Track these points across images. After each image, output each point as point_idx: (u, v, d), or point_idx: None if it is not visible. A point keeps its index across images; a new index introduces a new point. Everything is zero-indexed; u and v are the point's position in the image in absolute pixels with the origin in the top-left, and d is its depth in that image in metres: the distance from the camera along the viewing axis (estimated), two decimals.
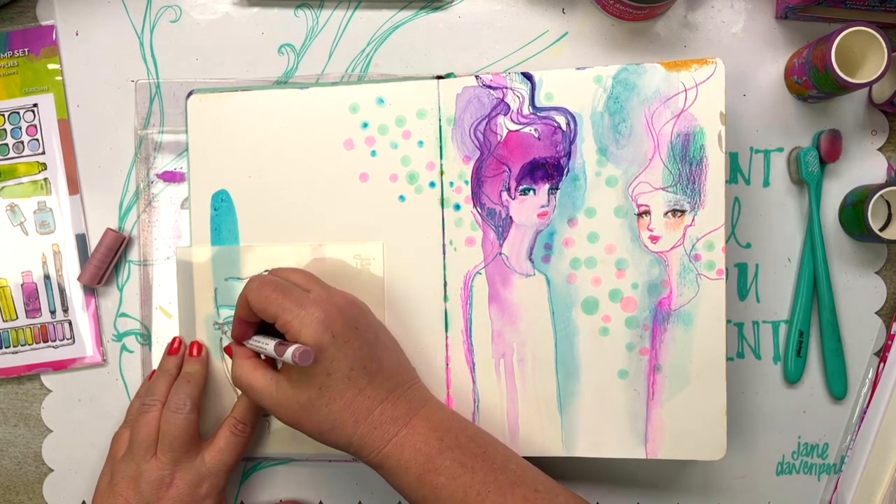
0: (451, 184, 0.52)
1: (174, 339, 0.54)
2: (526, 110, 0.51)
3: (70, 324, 0.57)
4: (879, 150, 0.56)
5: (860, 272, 0.56)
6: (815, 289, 0.56)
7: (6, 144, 0.57)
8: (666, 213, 0.50)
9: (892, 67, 0.52)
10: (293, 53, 0.57)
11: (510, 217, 0.52)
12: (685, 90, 0.50)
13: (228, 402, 0.54)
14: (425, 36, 0.57)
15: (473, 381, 0.52)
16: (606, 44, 0.56)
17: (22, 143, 0.57)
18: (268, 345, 0.45)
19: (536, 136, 0.51)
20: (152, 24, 0.57)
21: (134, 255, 0.57)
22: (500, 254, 0.52)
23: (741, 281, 0.56)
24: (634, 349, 0.51)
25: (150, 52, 0.57)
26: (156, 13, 0.57)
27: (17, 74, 0.57)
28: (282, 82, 0.56)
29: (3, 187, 0.57)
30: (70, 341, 0.57)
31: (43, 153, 0.57)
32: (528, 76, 0.51)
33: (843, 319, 0.56)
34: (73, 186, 0.57)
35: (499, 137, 0.52)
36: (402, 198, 0.53)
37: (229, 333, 0.52)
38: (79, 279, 0.56)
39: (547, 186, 0.51)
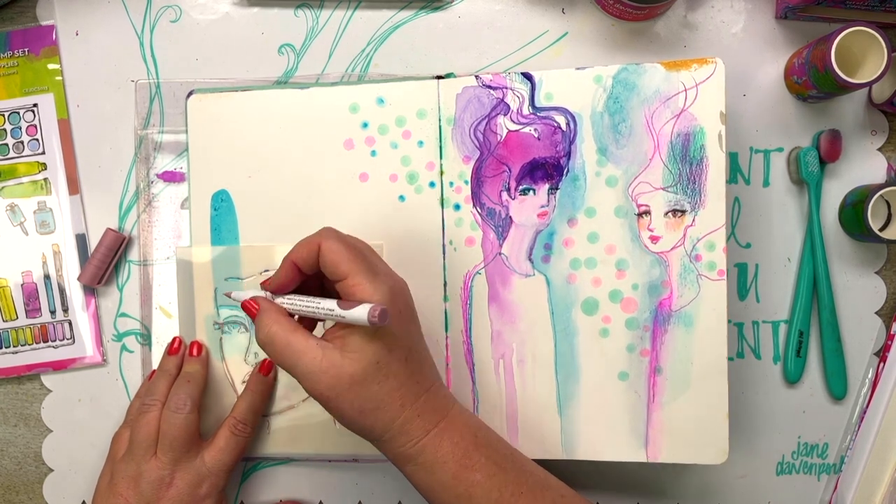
0: (451, 184, 0.52)
1: (174, 339, 0.54)
2: (526, 110, 0.51)
3: (70, 324, 0.57)
4: (879, 150, 0.56)
5: (860, 272, 0.56)
6: (815, 289, 0.56)
7: (6, 144, 0.57)
8: (666, 214, 0.50)
9: (892, 67, 0.52)
10: (293, 53, 0.57)
11: (510, 217, 0.52)
12: (685, 90, 0.50)
13: (228, 402, 0.54)
14: (425, 36, 0.57)
15: (473, 382, 0.52)
16: (606, 44, 0.56)
17: (22, 143, 0.57)
18: (321, 302, 0.41)
19: (536, 136, 0.51)
20: (152, 24, 0.57)
21: (134, 255, 0.57)
22: (500, 254, 0.52)
23: (741, 281, 0.56)
24: (635, 350, 0.51)
25: (150, 52, 0.57)
26: (156, 13, 0.57)
27: (17, 74, 0.57)
28: (282, 82, 0.56)
29: (3, 187, 0.57)
30: (70, 341, 0.57)
31: (43, 153, 0.57)
32: (527, 76, 0.51)
33: (843, 319, 0.56)
34: (73, 186, 0.57)
35: (499, 137, 0.52)
36: (402, 198, 0.53)
37: (234, 296, 0.46)
38: (79, 279, 0.56)
39: (547, 186, 0.51)
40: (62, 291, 0.57)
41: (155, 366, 0.55)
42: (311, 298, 0.43)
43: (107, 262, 0.56)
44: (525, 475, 0.44)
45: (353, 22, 0.57)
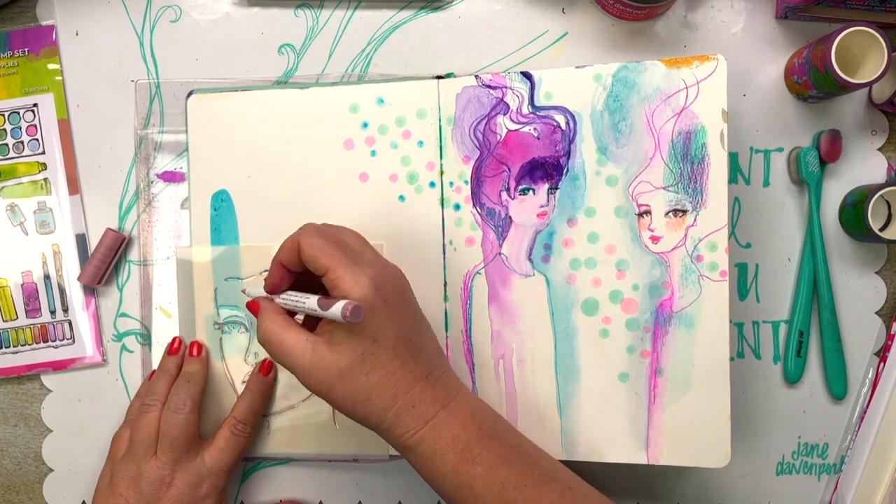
0: (451, 184, 0.52)
1: (174, 339, 0.54)
2: (525, 110, 0.51)
3: (70, 324, 0.57)
4: (879, 150, 0.56)
5: (860, 272, 0.56)
6: (815, 289, 0.56)
7: (6, 144, 0.57)
8: (667, 213, 0.50)
9: (892, 67, 0.52)
10: (293, 53, 0.57)
11: (510, 217, 0.52)
12: (686, 87, 0.49)
13: (228, 402, 0.54)
14: (425, 36, 0.57)
15: (473, 382, 0.52)
16: (606, 44, 0.56)
17: (22, 143, 0.57)
18: (307, 300, 0.42)
19: (536, 135, 0.51)
20: (152, 24, 0.57)
21: (134, 255, 0.57)
22: (500, 254, 0.52)
23: (741, 281, 0.56)
24: (635, 351, 0.51)
25: (150, 52, 0.57)
26: (156, 13, 0.57)
27: (17, 74, 0.57)
28: (282, 82, 0.56)
29: (3, 187, 0.57)
30: (70, 341, 0.57)
31: (43, 153, 0.57)
32: (527, 75, 0.51)
33: (843, 319, 0.56)
34: (73, 186, 0.57)
35: (498, 137, 0.52)
36: (402, 198, 0.53)
37: (248, 292, 0.48)
38: (79, 279, 0.56)
39: (546, 186, 0.51)
40: (62, 291, 0.57)
41: (155, 366, 0.55)
42: (301, 295, 0.43)
43: (107, 262, 0.56)
44: (531, 468, 0.43)
45: (353, 22, 0.57)
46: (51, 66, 0.57)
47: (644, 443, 0.50)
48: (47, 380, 0.57)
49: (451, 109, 0.52)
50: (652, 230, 0.50)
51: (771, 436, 0.57)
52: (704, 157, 0.49)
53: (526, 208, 0.51)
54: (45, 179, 0.57)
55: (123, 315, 0.57)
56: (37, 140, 0.57)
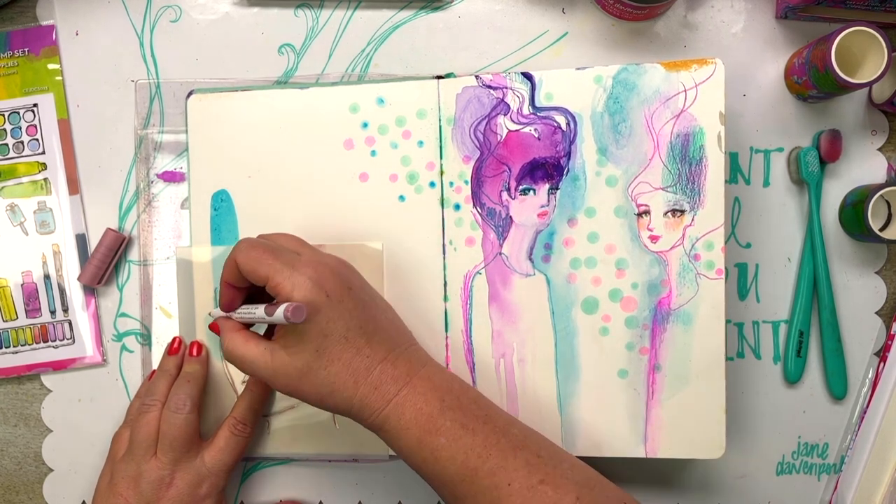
0: (451, 184, 0.52)
1: (174, 339, 0.54)
2: (526, 110, 0.51)
3: (70, 324, 0.57)
4: (879, 150, 0.56)
5: (860, 272, 0.56)
6: (815, 289, 0.56)
7: (6, 144, 0.57)
8: (665, 213, 0.50)
9: (892, 67, 0.52)
10: (293, 53, 0.57)
11: (510, 217, 0.52)
12: (685, 90, 0.50)
13: (228, 402, 0.54)
14: (425, 36, 0.57)
15: (473, 382, 0.52)
16: (606, 44, 0.56)
17: (22, 143, 0.57)
18: (256, 310, 0.44)
19: (536, 136, 0.51)
20: (152, 24, 0.57)
21: (134, 255, 0.57)
22: (500, 254, 0.52)
23: (741, 281, 0.56)
24: (634, 349, 0.51)
25: (150, 52, 0.57)
26: (156, 13, 0.57)
27: (17, 74, 0.57)
28: (282, 82, 0.56)
29: (3, 187, 0.57)
30: (70, 341, 0.57)
31: (43, 153, 0.57)
32: (527, 76, 0.51)
33: (843, 319, 0.56)
34: (73, 186, 0.57)
35: (499, 137, 0.52)
36: (402, 198, 0.53)
37: (212, 313, 0.50)
38: (79, 279, 0.56)
39: (547, 186, 0.51)
40: (62, 291, 0.57)
41: (155, 366, 0.55)
42: (251, 307, 0.45)
43: (107, 262, 0.56)
44: (498, 436, 0.43)
45: (353, 22, 0.57)
46: (51, 66, 0.57)
47: (642, 437, 0.51)
48: (47, 380, 0.57)
49: (451, 109, 0.52)
50: (651, 230, 0.51)
51: (771, 436, 0.57)
52: (702, 158, 0.50)
53: (527, 208, 0.52)
54: (45, 179, 0.57)
55: (123, 315, 0.57)
56: (37, 140, 0.57)
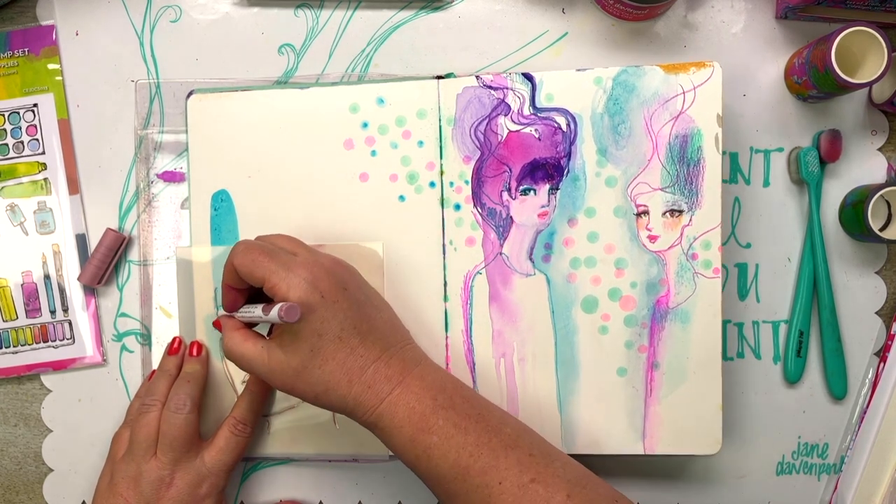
0: (452, 184, 0.52)
1: (174, 339, 0.54)
2: (526, 111, 0.51)
3: (70, 324, 0.57)
4: (879, 150, 0.56)
5: (860, 272, 0.56)
6: (815, 289, 0.56)
7: (6, 144, 0.57)
8: (664, 213, 0.51)
9: (892, 67, 0.52)
10: (293, 53, 0.57)
11: (510, 217, 0.52)
12: (683, 92, 0.50)
13: (228, 402, 0.54)
14: (425, 36, 0.57)
15: (474, 381, 0.52)
16: (606, 44, 0.56)
17: (22, 143, 0.57)
18: (255, 310, 0.45)
19: (537, 136, 0.51)
20: (152, 24, 0.57)
21: (134, 255, 0.57)
22: (501, 254, 0.52)
23: (741, 281, 0.56)
24: (633, 347, 0.51)
25: (150, 52, 0.57)
26: (156, 13, 0.57)
27: (17, 74, 0.57)
28: (282, 82, 0.56)
29: (3, 187, 0.57)
30: (70, 341, 0.57)
31: (43, 153, 0.57)
32: (528, 77, 0.51)
33: (843, 319, 0.56)
34: (73, 186, 0.57)
35: (499, 137, 0.52)
36: (402, 198, 0.53)
37: (218, 312, 0.51)
38: (79, 279, 0.56)
39: (547, 186, 0.52)
40: (62, 291, 0.57)
41: (155, 366, 0.55)
42: (251, 307, 0.46)
43: (107, 262, 0.56)
44: (490, 435, 0.44)
45: (353, 22, 0.57)
46: (51, 66, 0.57)
47: (641, 434, 0.51)
48: (47, 380, 0.57)
49: (451, 109, 0.52)
50: (650, 230, 0.51)
51: (771, 436, 0.57)
52: (700, 159, 0.50)
53: (527, 208, 0.52)
54: (45, 179, 0.57)
55: (123, 315, 0.57)
56: (37, 140, 0.57)
